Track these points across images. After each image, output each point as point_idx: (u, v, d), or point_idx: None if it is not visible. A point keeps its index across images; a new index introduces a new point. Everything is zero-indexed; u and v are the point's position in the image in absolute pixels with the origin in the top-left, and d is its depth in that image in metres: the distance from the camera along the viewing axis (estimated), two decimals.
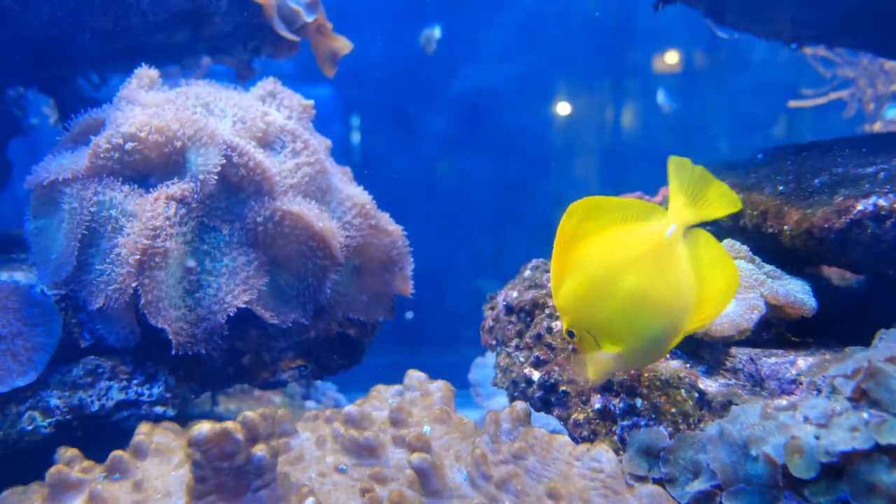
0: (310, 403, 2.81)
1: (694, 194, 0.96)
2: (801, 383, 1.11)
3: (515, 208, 4.70)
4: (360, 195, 1.68)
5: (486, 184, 4.74)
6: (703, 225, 1.64)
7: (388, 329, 1.94)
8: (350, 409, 1.23)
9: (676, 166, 0.97)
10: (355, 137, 4.74)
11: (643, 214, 1.01)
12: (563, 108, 4.82)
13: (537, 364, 1.38)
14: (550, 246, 1.09)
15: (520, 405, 1.17)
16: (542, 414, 1.40)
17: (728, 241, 1.33)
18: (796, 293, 1.22)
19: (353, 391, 2.81)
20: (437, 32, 4.12)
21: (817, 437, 0.95)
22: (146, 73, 1.63)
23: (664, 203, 1.95)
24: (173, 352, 1.37)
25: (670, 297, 0.98)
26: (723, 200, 0.96)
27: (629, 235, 1.00)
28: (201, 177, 1.40)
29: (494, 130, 4.76)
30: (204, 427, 0.95)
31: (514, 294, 1.57)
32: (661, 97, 4.27)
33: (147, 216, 1.34)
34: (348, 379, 2.13)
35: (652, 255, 0.98)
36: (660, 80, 4.76)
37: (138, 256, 1.31)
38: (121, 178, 1.42)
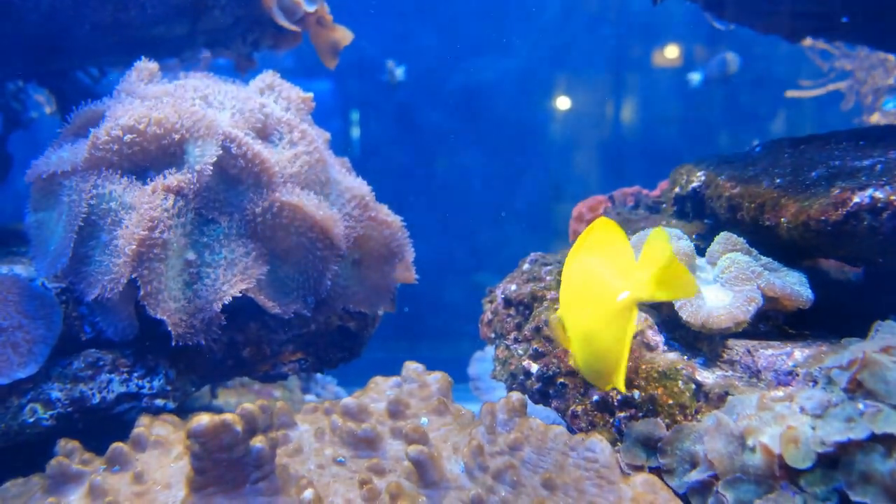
0: (309, 397, 2.81)
1: (658, 274, 0.99)
2: (797, 374, 1.11)
3: (514, 202, 4.71)
4: (359, 187, 1.68)
5: (484, 178, 4.75)
6: (702, 217, 1.64)
7: (388, 323, 1.94)
8: (348, 401, 1.24)
9: (653, 240, 1.00)
10: (354, 131, 4.74)
11: (629, 260, 1.06)
12: (562, 103, 4.82)
13: (536, 356, 1.39)
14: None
15: (516, 396, 1.18)
16: (541, 407, 1.40)
17: (724, 234, 1.34)
18: (793, 285, 1.22)
19: (352, 385, 2.81)
20: (391, 64, 4.09)
21: (813, 428, 0.95)
22: (145, 66, 1.63)
23: (662, 196, 1.95)
24: (173, 343, 1.37)
25: (605, 350, 1.05)
26: (680, 289, 0.99)
27: (602, 281, 1.06)
28: (198, 167, 1.40)
29: (494, 124, 4.76)
30: (203, 419, 0.95)
31: (513, 287, 1.57)
32: (698, 76, 4.08)
33: (145, 208, 1.34)
34: (348, 372, 2.14)
35: (604, 307, 1.04)
36: (659, 73, 4.76)
37: (135, 247, 1.31)
38: (120, 171, 1.42)
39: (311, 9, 2.09)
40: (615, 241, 1.08)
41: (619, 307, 1.01)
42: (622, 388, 1.04)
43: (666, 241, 0.98)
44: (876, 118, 3.42)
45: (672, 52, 4.72)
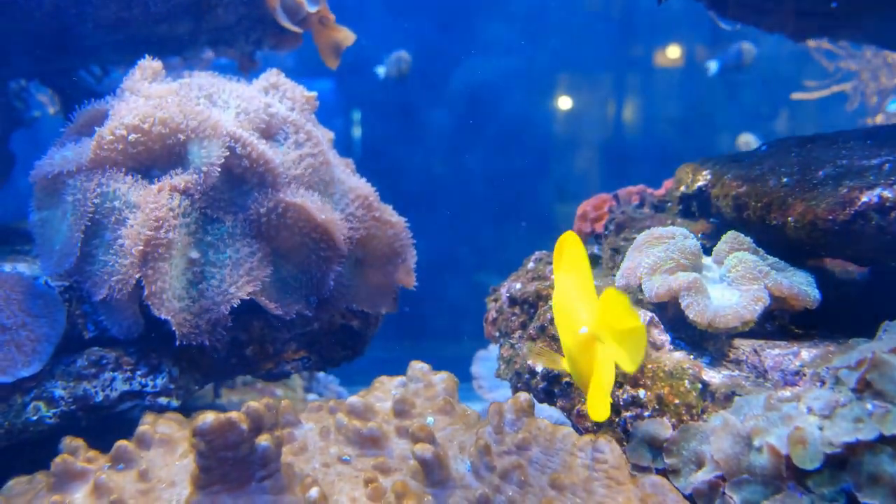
0: (311, 396, 2.81)
1: (618, 329, 0.99)
2: (804, 375, 1.11)
3: (517, 202, 4.70)
4: (363, 187, 1.68)
5: (487, 177, 4.74)
6: (708, 216, 1.64)
7: (390, 323, 1.94)
8: (354, 399, 1.23)
9: (611, 301, 0.98)
10: (357, 131, 4.73)
11: (591, 291, 1.07)
12: (564, 102, 4.81)
13: None
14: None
15: (523, 396, 1.17)
16: (546, 406, 1.40)
17: (731, 233, 1.33)
18: (800, 285, 1.22)
19: (355, 385, 2.81)
20: (405, 56, 4.01)
21: (821, 428, 0.95)
22: (149, 64, 1.63)
23: (667, 195, 1.95)
24: (177, 343, 1.37)
25: (580, 372, 1.06)
26: (628, 354, 0.97)
27: (571, 308, 1.07)
28: (205, 168, 1.40)
29: (496, 124, 4.75)
30: (208, 417, 0.95)
31: (518, 286, 1.57)
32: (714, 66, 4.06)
33: (151, 207, 1.34)
34: (350, 373, 2.13)
35: (571, 335, 1.05)
36: (662, 73, 4.75)
37: (142, 247, 1.31)
38: (124, 170, 1.42)
39: (313, 9, 2.09)
40: (581, 262, 1.08)
41: (581, 338, 1.02)
42: (592, 414, 1.00)
43: (627, 312, 0.94)
44: (880, 120, 3.41)
45: (675, 51, 4.71)
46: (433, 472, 1.05)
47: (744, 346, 1.20)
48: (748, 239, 1.32)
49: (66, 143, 1.51)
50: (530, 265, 1.67)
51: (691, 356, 1.22)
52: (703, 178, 1.60)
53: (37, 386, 1.36)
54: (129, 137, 1.41)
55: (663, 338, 1.25)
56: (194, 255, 1.40)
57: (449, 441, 1.16)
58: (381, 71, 3.98)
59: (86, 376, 1.40)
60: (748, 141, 4.16)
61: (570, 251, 1.11)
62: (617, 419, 1.22)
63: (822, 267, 1.47)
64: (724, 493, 1.00)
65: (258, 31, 2.17)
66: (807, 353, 1.14)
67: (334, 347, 1.75)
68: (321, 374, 2.93)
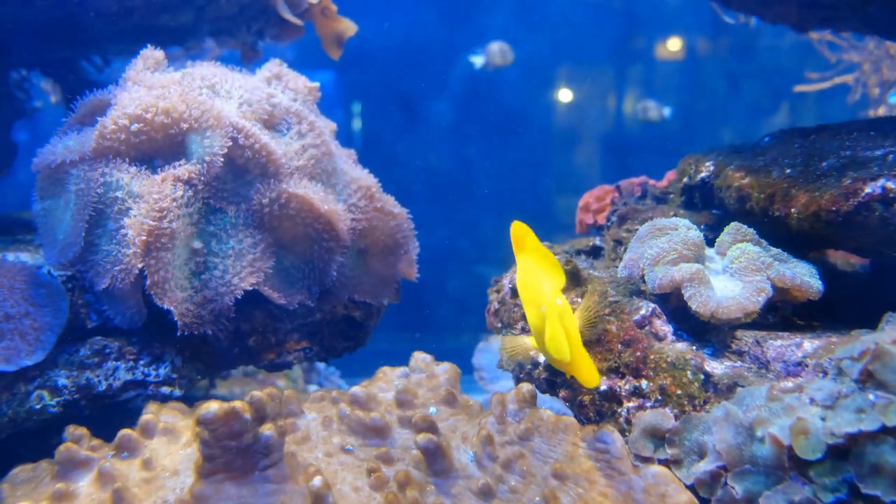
0: (312, 388, 2.82)
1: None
2: (807, 366, 1.11)
3: (518, 194, 4.70)
4: (365, 178, 1.68)
5: (487, 169, 4.73)
6: (711, 207, 1.63)
7: (392, 314, 1.94)
8: (356, 390, 1.24)
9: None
10: (357, 123, 4.73)
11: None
12: (565, 94, 4.80)
13: None
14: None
15: (526, 387, 1.17)
16: (548, 396, 1.40)
17: (734, 225, 1.33)
18: (803, 276, 1.22)
19: (356, 377, 2.81)
20: (508, 48, 3.94)
21: (823, 419, 0.95)
22: (151, 54, 1.62)
23: (670, 186, 1.95)
24: (179, 333, 1.37)
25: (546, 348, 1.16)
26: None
27: (536, 288, 1.19)
28: (207, 158, 1.39)
29: (497, 115, 4.74)
30: (212, 406, 0.95)
31: None
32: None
33: (154, 197, 1.34)
34: (351, 364, 2.14)
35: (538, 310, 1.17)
36: (663, 65, 4.74)
37: (144, 237, 1.31)
38: (127, 160, 1.42)
39: None
40: (537, 245, 1.23)
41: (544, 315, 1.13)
42: (588, 382, 1.12)
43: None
44: (883, 111, 3.40)
45: (676, 43, 4.70)
46: (436, 462, 1.06)
47: (746, 338, 1.20)
48: (751, 230, 1.31)
49: (69, 132, 1.51)
50: None
51: (694, 347, 1.22)
52: (706, 169, 1.59)
53: (40, 375, 1.37)
54: (132, 127, 1.40)
55: (666, 329, 1.25)
56: (197, 245, 1.40)
57: (451, 431, 1.17)
58: (477, 61, 3.96)
59: (89, 365, 1.40)
60: (647, 106, 4.15)
61: (524, 237, 1.24)
62: (619, 409, 1.22)
63: (825, 258, 1.48)
64: (726, 484, 1.00)
65: (260, 22, 2.17)
66: (809, 344, 1.15)
67: (336, 338, 1.76)
68: (321, 366, 2.93)
